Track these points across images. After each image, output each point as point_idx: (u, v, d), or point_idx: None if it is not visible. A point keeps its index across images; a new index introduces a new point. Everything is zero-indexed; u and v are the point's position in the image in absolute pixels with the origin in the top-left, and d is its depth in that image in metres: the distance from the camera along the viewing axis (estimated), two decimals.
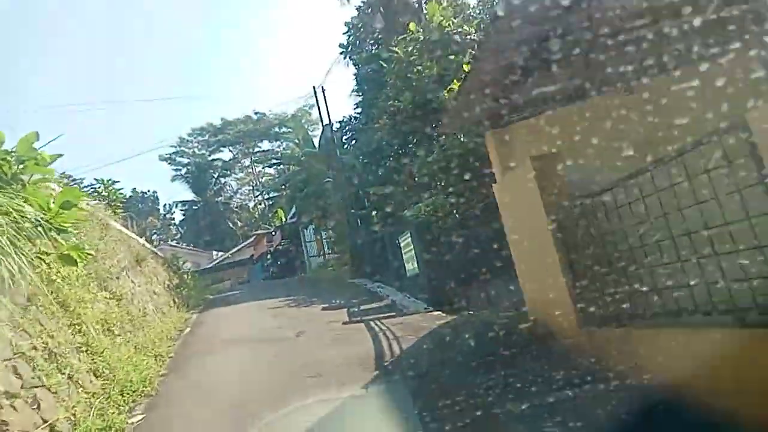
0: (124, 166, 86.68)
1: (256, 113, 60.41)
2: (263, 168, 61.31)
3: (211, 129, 63.02)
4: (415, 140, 21.57)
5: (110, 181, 16.87)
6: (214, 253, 50.43)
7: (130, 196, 67.94)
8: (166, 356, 8.87)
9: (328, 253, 30.61)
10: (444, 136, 16.38)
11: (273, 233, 37.67)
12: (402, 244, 13.23)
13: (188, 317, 13.75)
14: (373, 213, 23.45)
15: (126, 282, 11.17)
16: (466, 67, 15.71)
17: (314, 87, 22.71)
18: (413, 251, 12.46)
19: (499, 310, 9.09)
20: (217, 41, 78.48)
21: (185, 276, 19.96)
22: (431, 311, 10.99)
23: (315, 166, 26.06)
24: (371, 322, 10.16)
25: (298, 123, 26.58)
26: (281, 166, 35.72)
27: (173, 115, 79.56)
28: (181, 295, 16.12)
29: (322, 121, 22.69)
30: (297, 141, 29.22)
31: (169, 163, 62.68)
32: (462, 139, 15.61)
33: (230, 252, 46.81)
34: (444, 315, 10.33)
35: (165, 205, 68.97)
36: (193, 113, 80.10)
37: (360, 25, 29.22)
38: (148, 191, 68.81)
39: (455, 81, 15.22)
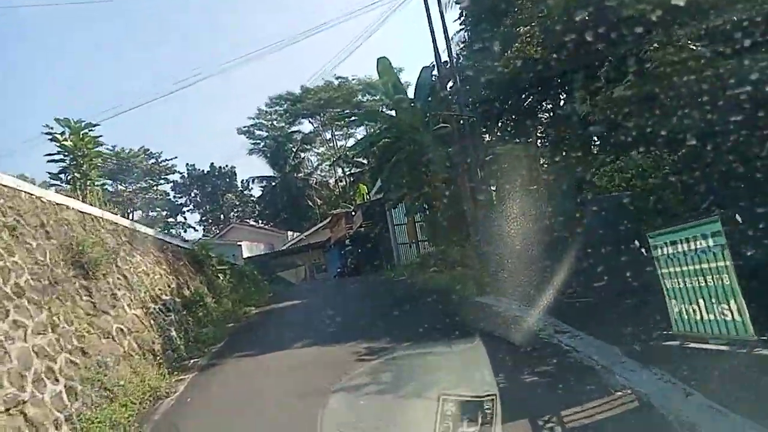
0: (203, 141, 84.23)
1: (337, 78, 54.20)
2: (345, 142, 55.12)
3: (291, 97, 57.75)
4: (565, 72, 13.53)
5: (81, 124, 10.26)
6: (290, 233, 44.79)
7: (208, 172, 65.04)
8: None
9: (424, 240, 23.20)
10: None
11: (353, 213, 30.66)
12: (663, 254, 5.21)
13: (165, 394, 6.58)
14: (492, 187, 15.55)
15: None
16: None
17: None
18: (727, 274, 4.42)
19: None
20: None
21: (221, 277, 13.27)
22: None
23: (408, 121, 18.37)
24: None
25: (385, 67, 18.84)
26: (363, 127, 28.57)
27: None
28: (189, 323, 9.25)
29: (433, 34, 14.65)
30: (385, 91, 21.57)
31: (248, 137, 58.37)
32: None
33: (305, 234, 40.77)
34: None
35: (242, 180, 64.85)
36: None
37: None
38: (226, 166, 65.03)
39: None
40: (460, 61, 20.01)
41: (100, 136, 10.28)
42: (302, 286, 24.83)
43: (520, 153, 14.70)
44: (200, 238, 41.32)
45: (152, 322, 8.03)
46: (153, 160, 62.45)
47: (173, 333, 8.42)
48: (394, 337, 7.95)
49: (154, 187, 62.85)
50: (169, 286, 9.62)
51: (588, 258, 7.44)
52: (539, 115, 17.18)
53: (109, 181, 55.93)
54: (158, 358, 7.44)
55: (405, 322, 9.06)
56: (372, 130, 25.02)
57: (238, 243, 39.04)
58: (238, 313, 12.04)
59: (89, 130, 10.31)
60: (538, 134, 16.83)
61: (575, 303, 7.88)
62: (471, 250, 14.15)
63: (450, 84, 17.06)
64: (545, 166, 13.89)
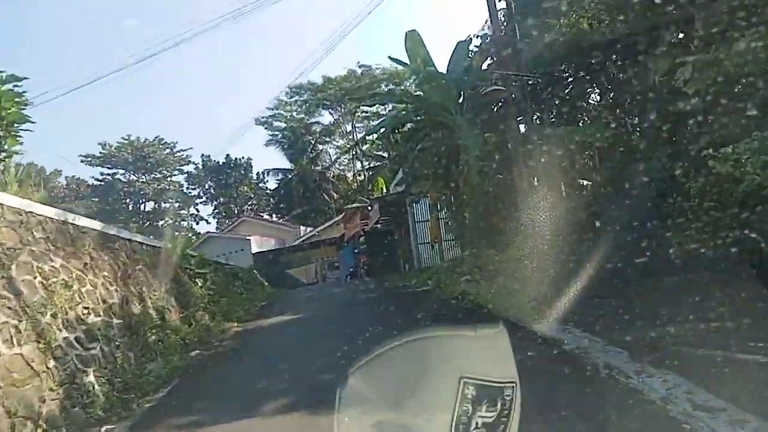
0: (221, 132, 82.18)
1: (360, 66, 51.90)
2: (365, 134, 52.58)
3: (312, 87, 55.54)
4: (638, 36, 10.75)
5: (1, 75, 7.56)
6: (302, 228, 42.33)
7: (223, 163, 62.87)
8: None
9: (448, 241, 20.35)
10: None
11: (369, 208, 27.90)
12: None
13: None
14: (535, 179, 12.58)
15: None
16: None
17: None
18: None
19: None
20: None
21: (199, 282, 10.53)
22: None
23: (439, 102, 15.40)
24: None
25: (415, 41, 15.87)
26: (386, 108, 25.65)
27: None
28: (126, 356, 6.50)
29: None
30: (414, 69, 18.42)
31: (266, 128, 56.26)
32: None
33: (318, 229, 38.21)
34: None
35: (258, 173, 62.82)
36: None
37: None
38: (242, 157, 62.96)
39: None
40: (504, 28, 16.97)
41: (26, 92, 7.57)
42: (308, 291, 22.02)
43: (581, 138, 11.71)
44: (207, 232, 39.03)
45: (54, 363, 5.27)
46: (168, 151, 60.78)
47: (91, 377, 5.62)
48: (418, 399, 5.04)
49: (168, 178, 61.19)
50: (104, 302, 6.84)
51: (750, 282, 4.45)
52: (601, 93, 14.13)
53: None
54: (47, 426, 4.68)
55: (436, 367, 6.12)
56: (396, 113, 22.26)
57: (247, 237, 36.78)
58: (212, 333, 9.23)
59: (14, 86, 7.62)
60: (597, 115, 13.83)
61: (721, 358, 4.84)
62: (514, 257, 11.19)
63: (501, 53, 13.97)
64: (618, 153, 10.82)
